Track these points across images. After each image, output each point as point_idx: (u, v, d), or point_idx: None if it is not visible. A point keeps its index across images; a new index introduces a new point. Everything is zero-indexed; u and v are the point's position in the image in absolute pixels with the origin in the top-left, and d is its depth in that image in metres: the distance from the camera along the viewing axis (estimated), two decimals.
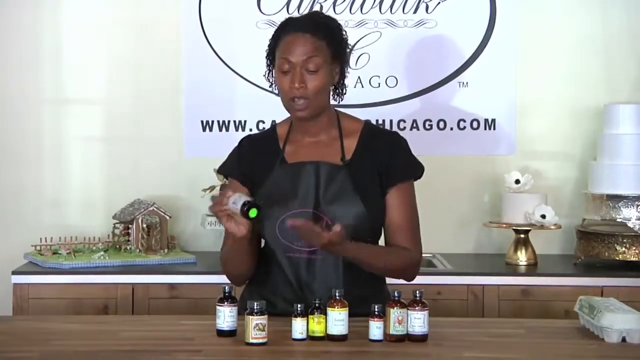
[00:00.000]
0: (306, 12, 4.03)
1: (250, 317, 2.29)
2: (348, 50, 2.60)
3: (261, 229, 2.54)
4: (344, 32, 2.58)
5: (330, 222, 2.47)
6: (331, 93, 2.59)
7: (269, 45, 2.59)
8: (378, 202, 2.55)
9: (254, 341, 2.29)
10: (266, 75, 2.62)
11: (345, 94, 2.63)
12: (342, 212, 2.50)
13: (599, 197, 3.82)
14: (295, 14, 4.00)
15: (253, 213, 2.32)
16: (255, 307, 2.30)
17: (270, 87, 2.63)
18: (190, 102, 4.11)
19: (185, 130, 4.12)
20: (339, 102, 2.64)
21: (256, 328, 2.29)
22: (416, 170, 2.61)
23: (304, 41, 2.49)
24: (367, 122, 2.66)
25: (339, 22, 2.60)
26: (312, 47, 2.49)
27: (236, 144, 2.70)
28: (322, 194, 2.52)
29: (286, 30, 2.53)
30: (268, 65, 2.61)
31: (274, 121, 4.04)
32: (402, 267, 2.57)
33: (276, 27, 2.58)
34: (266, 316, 2.31)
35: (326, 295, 2.39)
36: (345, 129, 2.61)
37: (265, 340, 2.30)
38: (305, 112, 2.51)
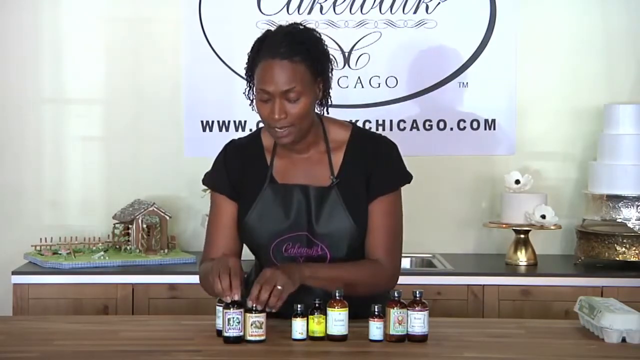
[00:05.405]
0: (306, 12, 4.03)
1: (248, 314, 2.29)
2: (330, 63, 2.48)
3: (256, 252, 2.56)
4: (323, 45, 2.46)
5: (324, 248, 2.48)
6: (315, 107, 2.49)
7: (247, 64, 2.46)
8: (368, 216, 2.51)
9: (252, 339, 2.28)
10: (246, 93, 2.49)
11: (330, 105, 2.52)
12: (335, 231, 2.47)
13: (598, 197, 3.82)
14: (295, 14, 4.01)
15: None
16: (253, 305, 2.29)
17: (250, 105, 2.50)
18: (190, 102, 4.11)
19: (185, 130, 4.11)
20: (326, 111, 2.54)
21: (253, 325, 2.29)
22: (400, 180, 2.54)
23: (280, 69, 2.37)
24: (355, 128, 2.58)
25: (318, 33, 2.48)
26: (291, 75, 2.37)
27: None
28: (314, 216, 2.48)
29: (261, 55, 2.40)
30: (248, 83, 2.48)
31: None
32: (369, 280, 2.48)
33: (252, 45, 2.46)
34: (264, 314, 2.30)
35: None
36: (333, 140, 2.52)
37: (263, 338, 2.29)
38: (288, 139, 2.43)
